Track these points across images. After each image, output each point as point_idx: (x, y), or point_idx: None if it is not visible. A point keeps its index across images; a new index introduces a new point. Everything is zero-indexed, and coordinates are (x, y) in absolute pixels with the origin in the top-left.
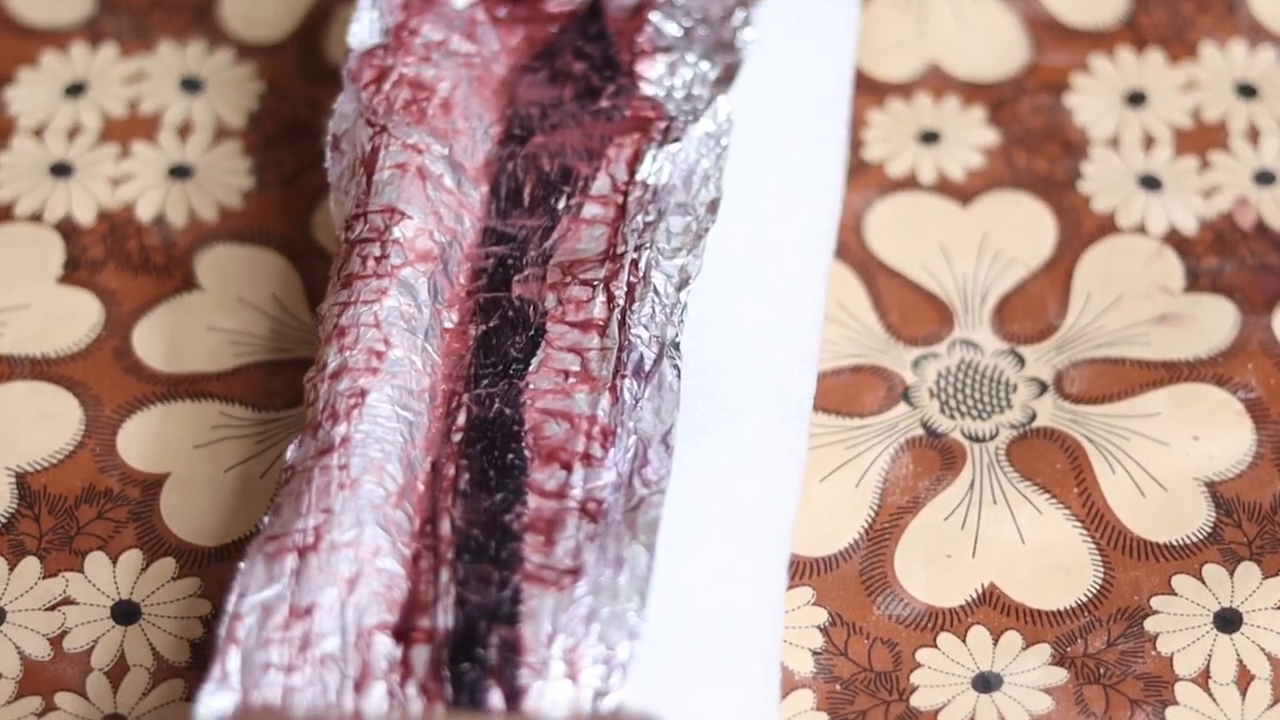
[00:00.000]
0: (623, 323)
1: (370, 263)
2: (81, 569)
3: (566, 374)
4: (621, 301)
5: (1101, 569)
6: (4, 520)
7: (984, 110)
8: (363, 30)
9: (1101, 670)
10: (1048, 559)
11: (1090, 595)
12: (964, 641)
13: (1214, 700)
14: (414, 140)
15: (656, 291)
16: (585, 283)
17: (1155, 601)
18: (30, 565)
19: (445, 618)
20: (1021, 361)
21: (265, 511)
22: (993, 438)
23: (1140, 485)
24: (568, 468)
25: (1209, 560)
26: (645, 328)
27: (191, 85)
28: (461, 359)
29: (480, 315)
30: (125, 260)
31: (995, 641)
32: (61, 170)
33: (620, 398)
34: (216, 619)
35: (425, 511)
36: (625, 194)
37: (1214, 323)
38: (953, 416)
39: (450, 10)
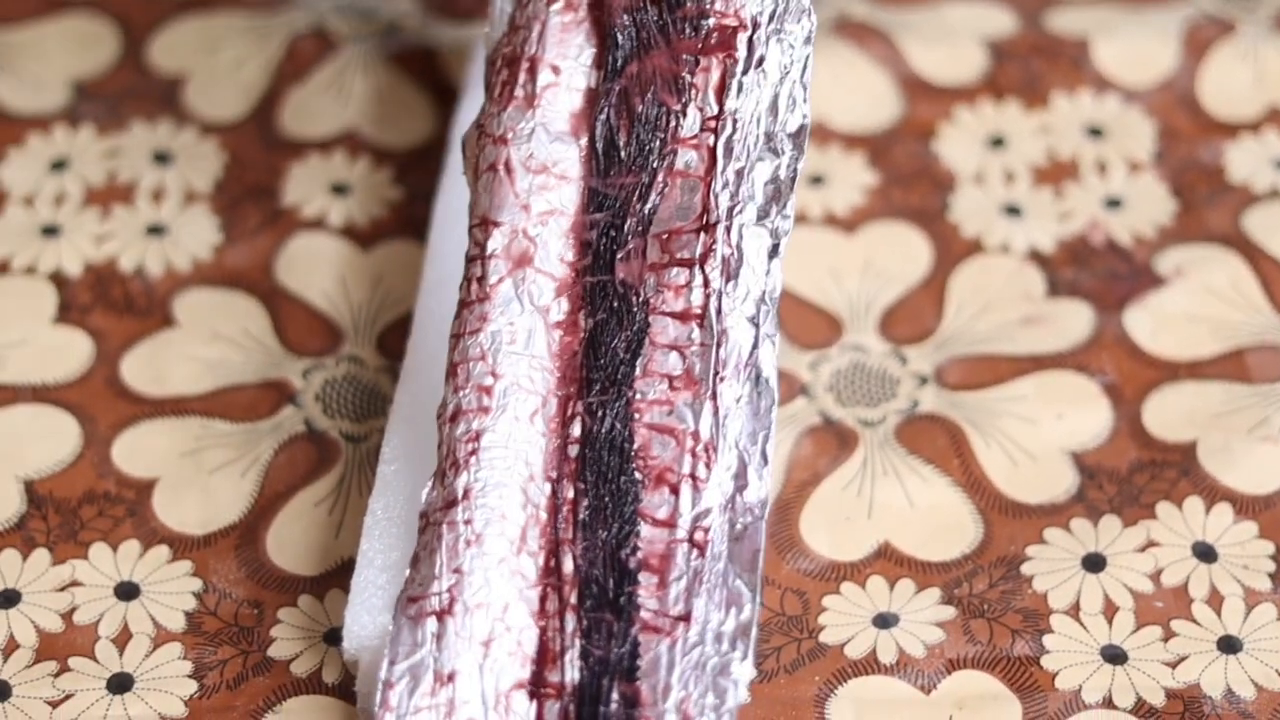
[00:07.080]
0: (719, 309)
1: (474, 286)
2: (86, 557)
3: (669, 379)
4: (717, 284)
5: (982, 526)
6: (16, 520)
7: (864, 157)
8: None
9: (985, 606)
10: (934, 519)
11: (973, 548)
12: (864, 588)
13: (1084, 628)
14: (500, 130)
15: (751, 266)
16: (682, 263)
17: (1030, 550)
18: (40, 556)
19: (572, 672)
20: (904, 360)
21: (243, 502)
22: (882, 422)
23: (1012, 456)
24: (675, 491)
25: (1076, 515)
26: (740, 310)
27: (162, 158)
28: (574, 356)
29: (588, 305)
30: (111, 305)
31: (891, 587)
32: (51, 231)
33: (720, 404)
34: (206, 592)
35: (549, 543)
36: (715, 133)
37: (1072, 322)
38: (845, 406)
39: None
